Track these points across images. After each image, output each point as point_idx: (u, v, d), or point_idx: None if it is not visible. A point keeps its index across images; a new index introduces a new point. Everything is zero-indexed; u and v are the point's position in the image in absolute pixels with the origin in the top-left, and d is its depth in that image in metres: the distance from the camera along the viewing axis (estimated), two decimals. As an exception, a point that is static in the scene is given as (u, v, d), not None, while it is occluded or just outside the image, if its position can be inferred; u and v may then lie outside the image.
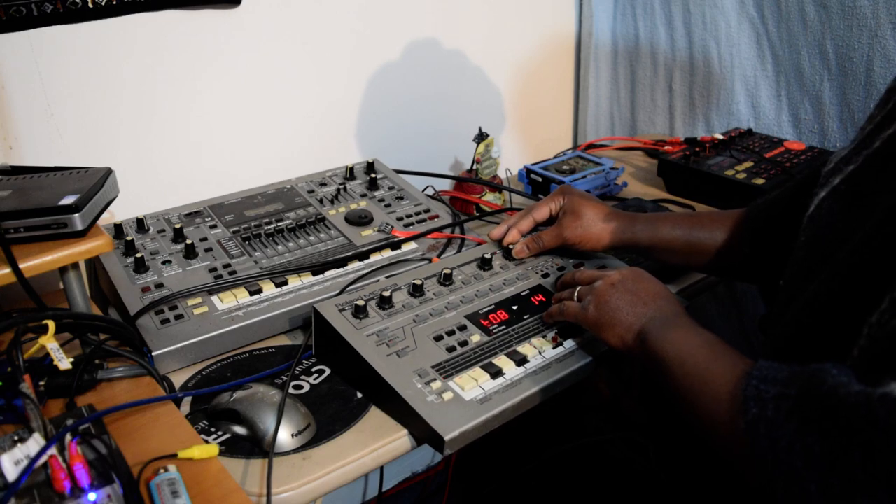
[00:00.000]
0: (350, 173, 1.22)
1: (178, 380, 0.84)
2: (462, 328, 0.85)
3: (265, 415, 0.74)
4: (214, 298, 0.91)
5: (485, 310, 0.89)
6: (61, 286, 0.77)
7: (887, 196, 0.58)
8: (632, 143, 1.61)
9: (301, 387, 0.84)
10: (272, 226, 1.06)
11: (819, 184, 0.68)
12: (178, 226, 1.02)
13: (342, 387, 0.84)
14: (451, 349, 0.82)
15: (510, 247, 0.99)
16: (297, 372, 0.86)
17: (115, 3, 1.04)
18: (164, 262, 0.97)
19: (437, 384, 0.77)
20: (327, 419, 0.78)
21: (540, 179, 1.31)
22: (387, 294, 0.87)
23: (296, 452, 0.73)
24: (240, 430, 0.75)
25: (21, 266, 0.70)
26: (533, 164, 1.35)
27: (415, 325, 0.85)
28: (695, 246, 0.90)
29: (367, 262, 1.01)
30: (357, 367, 0.80)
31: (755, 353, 0.63)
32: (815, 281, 0.60)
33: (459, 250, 1.05)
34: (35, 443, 0.60)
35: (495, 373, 0.79)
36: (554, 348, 0.84)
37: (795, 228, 0.70)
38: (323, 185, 1.19)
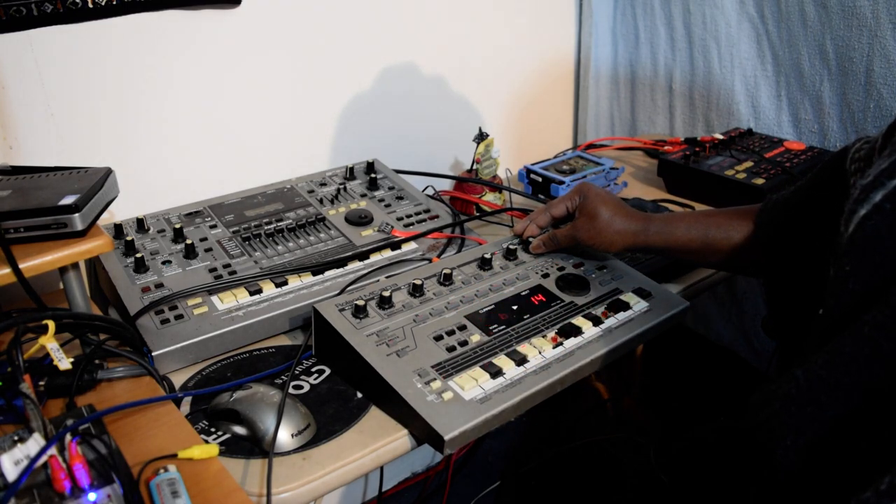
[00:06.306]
0: (350, 173, 1.22)
1: (178, 380, 0.84)
2: (462, 328, 0.85)
3: (265, 415, 0.74)
4: (214, 298, 0.92)
5: (485, 310, 0.89)
6: (61, 286, 0.77)
7: None
8: (632, 143, 1.61)
9: (301, 387, 0.84)
10: (272, 226, 1.06)
11: (856, 199, 0.61)
12: (178, 226, 1.02)
13: (342, 387, 0.84)
14: (451, 349, 0.82)
15: (530, 240, 1.03)
16: (297, 372, 0.86)
17: (115, 3, 1.04)
18: (164, 262, 0.97)
19: (437, 384, 0.77)
20: (327, 419, 0.78)
21: (540, 179, 1.31)
22: (387, 294, 0.87)
23: (296, 452, 0.73)
24: (240, 430, 0.75)
25: (21, 266, 0.70)
26: (533, 164, 1.35)
27: (415, 324, 0.85)
28: (710, 246, 0.92)
29: (367, 262, 1.01)
30: (357, 366, 0.80)
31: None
32: (869, 313, 0.55)
33: (459, 250, 1.05)
34: (35, 443, 0.60)
35: (495, 372, 0.79)
36: (554, 348, 0.84)
37: (813, 231, 0.66)
38: (323, 185, 1.19)
